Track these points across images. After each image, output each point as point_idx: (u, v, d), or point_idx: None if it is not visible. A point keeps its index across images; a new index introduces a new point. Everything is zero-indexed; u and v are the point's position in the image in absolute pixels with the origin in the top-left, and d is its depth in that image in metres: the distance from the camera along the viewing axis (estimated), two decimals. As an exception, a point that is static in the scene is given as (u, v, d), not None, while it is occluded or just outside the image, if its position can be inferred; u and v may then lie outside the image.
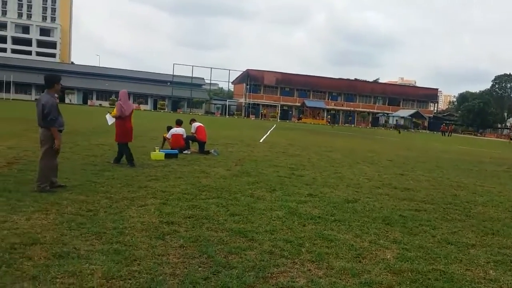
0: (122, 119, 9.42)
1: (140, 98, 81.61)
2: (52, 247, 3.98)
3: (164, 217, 5.33)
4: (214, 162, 11.02)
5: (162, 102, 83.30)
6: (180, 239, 4.54)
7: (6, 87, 68.14)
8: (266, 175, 9.45)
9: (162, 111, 77.35)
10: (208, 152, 12.79)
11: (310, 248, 4.58)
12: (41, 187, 6.18)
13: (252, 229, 5.10)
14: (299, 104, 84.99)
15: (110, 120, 9.78)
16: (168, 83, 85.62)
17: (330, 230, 5.33)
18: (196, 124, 13.58)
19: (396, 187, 9.06)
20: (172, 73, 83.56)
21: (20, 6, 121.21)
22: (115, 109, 9.58)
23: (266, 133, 27.78)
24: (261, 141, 20.32)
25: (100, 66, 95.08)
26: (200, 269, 3.81)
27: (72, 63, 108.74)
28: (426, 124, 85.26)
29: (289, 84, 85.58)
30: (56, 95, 6.46)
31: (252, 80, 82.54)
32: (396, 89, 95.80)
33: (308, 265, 4.11)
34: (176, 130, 12.69)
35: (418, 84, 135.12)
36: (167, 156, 11.07)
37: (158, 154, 10.92)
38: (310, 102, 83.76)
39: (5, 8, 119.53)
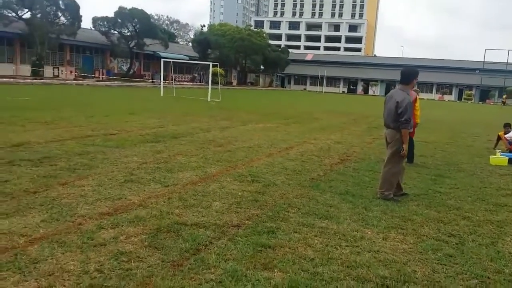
0: None
1: (443, 88, 76.58)
2: (431, 292, 3.09)
3: None
4: None
5: (468, 92, 75.62)
6: None
7: (320, 81, 76.44)
8: None
9: (468, 101, 70.21)
10: None
11: None
12: (384, 195, 5.53)
13: None
14: None
15: None
16: (477, 71, 76.79)
17: None
18: (546, 121, 10.75)
19: None
20: (482, 60, 74.47)
21: (333, 6, 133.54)
22: None
23: None
24: None
25: (402, 57, 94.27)
26: None
27: (375, 55, 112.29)
28: None
29: None
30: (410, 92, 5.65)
31: None
32: None
33: None
34: (523, 130, 10.27)
35: None
36: (511, 161, 8.96)
37: (499, 159, 8.95)
38: None
39: (322, 10, 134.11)
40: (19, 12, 36.87)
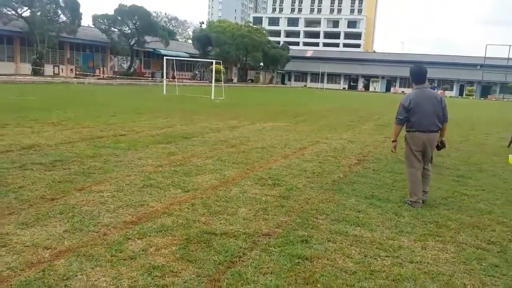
0: None
1: (444, 84, 76.43)
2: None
3: None
4: None
5: (470, 88, 75.59)
6: None
7: (321, 78, 76.28)
8: None
9: (470, 97, 70.13)
10: None
11: None
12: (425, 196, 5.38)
13: None
14: None
15: None
16: (478, 67, 76.66)
17: None
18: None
19: None
20: (483, 55, 74.24)
21: (332, 2, 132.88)
22: None
23: None
24: None
25: (403, 52, 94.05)
26: None
27: (374, 51, 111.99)
28: None
29: None
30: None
31: None
32: None
33: None
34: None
35: None
36: (531, 161, 8.78)
37: (518, 158, 8.78)
38: None
39: (320, 6, 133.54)
40: (18, 10, 36.54)
